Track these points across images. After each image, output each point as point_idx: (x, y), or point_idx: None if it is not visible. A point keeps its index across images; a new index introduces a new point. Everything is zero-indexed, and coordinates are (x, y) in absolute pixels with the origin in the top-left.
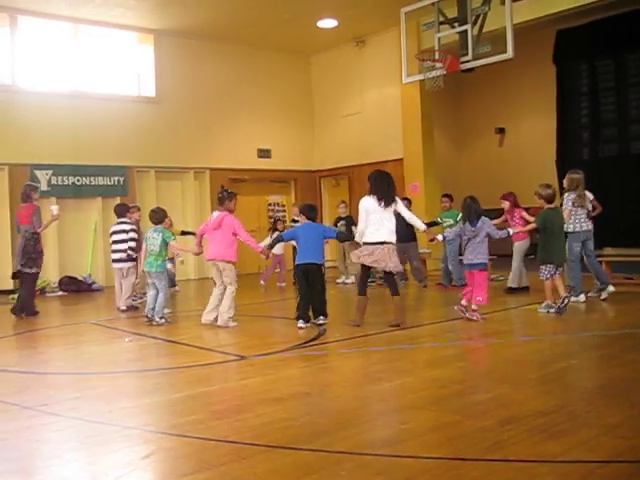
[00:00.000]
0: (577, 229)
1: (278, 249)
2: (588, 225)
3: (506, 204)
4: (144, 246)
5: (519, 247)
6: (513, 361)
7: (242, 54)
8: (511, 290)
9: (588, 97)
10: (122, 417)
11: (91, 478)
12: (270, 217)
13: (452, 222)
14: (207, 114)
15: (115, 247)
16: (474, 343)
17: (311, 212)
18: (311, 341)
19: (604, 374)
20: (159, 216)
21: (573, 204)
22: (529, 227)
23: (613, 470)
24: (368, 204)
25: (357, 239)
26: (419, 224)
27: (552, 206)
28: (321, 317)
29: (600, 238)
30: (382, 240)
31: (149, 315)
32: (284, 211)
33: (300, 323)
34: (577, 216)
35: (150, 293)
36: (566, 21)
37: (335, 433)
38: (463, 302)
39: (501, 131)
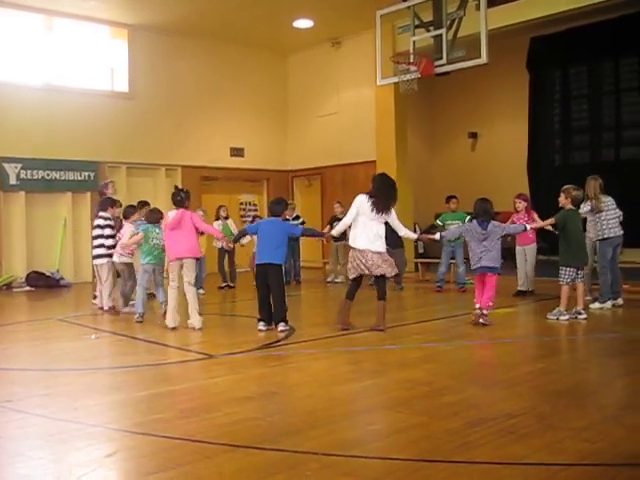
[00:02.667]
0: (611, 234)
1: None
2: (620, 230)
3: (522, 204)
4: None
5: (532, 250)
6: (483, 363)
7: (218, 51)
8: (520, 293)
9: (561, 104)
10: (87, 415)
11: (55, 476)
12: (241, 216)
13: (460, 225)
14: (180, 111)
15: (93, 242)
16: (444, 345)
17: (277, 207)
18: (281, 341)
19: (573, 377)
20: (157, 216)
21: (592, 210)
22: (548, 222)
23: (576, 473)
24: (362, 205)
25: (336, 231)
26: (410, 235)
27: (574, 208)
28: (281, 324)
29: None
30: (365, 248)
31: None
32: (256, 210)
33: (260, 325)
34: (608, 221)
35: (141, 288)
36: (540, 28)
37: (303, 433)
38: (483, 311)
39: (474, 136)
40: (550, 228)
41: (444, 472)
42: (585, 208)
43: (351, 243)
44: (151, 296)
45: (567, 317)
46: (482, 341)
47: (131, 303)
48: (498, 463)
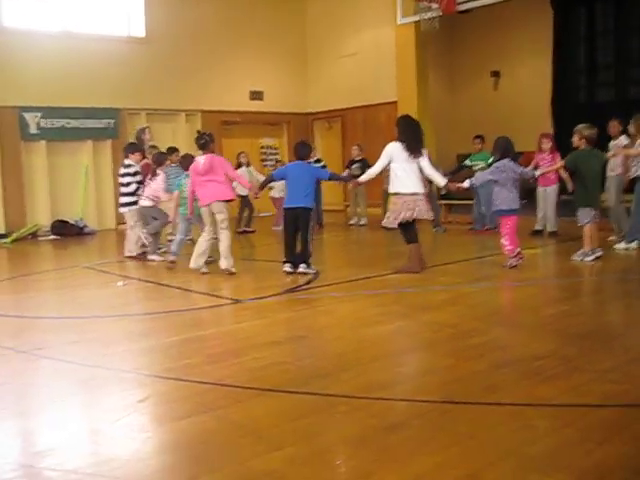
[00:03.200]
0: None
1: (277, 192)
2: None
3: (549, 144)
4: (176, 193)
5: (553, 191)
6: (507, 305)
7: None
8: (536, 233)
9: (585, 40)
10: (118, 361)
11: (88, 421)
12: (262, 160)
13: (483, 165)
14: (198, 55)
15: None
16: (469, 287)
17: (302, 150)
18: (307, 284)
19: (597, 319)
20: (190, 161)
21: None
22: (557, 165)
23: (603, 414)
24: (395, 152)
25: (363, 179)
26: (439, 179)
27: (589, 147)
28: (302, 265)
29: None
30: (414, 191)
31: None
32: (277, 154)
33: (286, 267)
34: None
35: (179, 237)
36: None
37: (332, 376)
38: (514, 252)
39: (496, 74)
40: (562, 173)
41: (471, 414)
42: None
43: (397, 189)
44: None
45: (592, 257)
46: (507, 283)
47: (160, 251)
48: (525, 404)
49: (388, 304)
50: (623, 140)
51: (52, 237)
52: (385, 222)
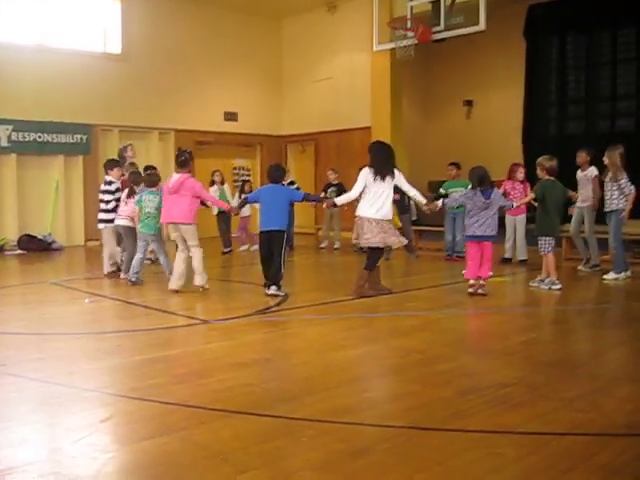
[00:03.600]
0: (622, 206)
1: (245, 211)
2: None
3: (522, 174)
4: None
5: (522, 221)
6: (476, 332)
7: (212, 14)
8: (505, 261)
9: (557, 73)
10: (82, 379)
11: (50, 440)
12: (234, 181)
13: (462, 192)
14: (174, 74)
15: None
16: (438, 313)
17: (276, 173)
18: (275, 306)
19: (565, 348)
20: (154, 180)
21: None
22: (528, 198)
23: (568, 442)
24: (368, 176)
25: (340, 201)
26: (420, 199)
27: (552, 178)
28: (272, 287)
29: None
30: (382, 217)
31: (133, 279)
32: (249, 175)
33: (269, 290)
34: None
35: (138, 256)
36: None
37: (298, 399)
38: (481, 281)
39: (469, 103)
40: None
41: (437, 440)
42: (629, 183)
43: (364, 214)
44: (156, 261)
45: (559, 286)
46: (475, 310)
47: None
48: (491, 432)
49: (356, 328)
50: (594, 171)
51: (19, 252)
52: (356, 241)
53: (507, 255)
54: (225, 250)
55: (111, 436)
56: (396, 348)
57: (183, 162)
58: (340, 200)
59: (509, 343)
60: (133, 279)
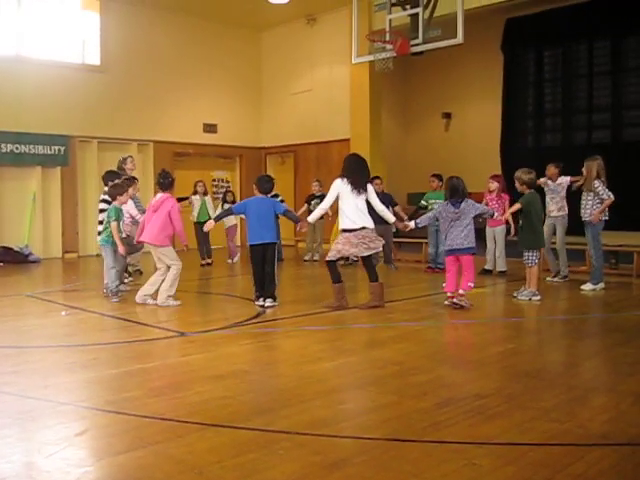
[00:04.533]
0: (605, 217)
1: (230, 221)
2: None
3: (494, 185)
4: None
5: (502, 232)
6: (453, 343)
7: (191, 25)
8: (486, 272)
9: (534, 86)
10: (57, 392)
11: (24, 454)
12: (214, 192)
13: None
14: (153, 85)
15: None
16: (416, 325)
17: (266, 184)
18: (253, 319)
19: (542, 358)
20: (116, 192)
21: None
22: (514, 208)
23: (545, 453)
24: (341, 187)
25: (313, 218)
26: (388, 216)
27: (532, 191)
28: (268, 300)
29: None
30: (361, 226)
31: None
32: (229, 187)
33: (260, 301)
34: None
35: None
36: (516, 10)
37: (274, 412)
38: (459, 291)
39: (447, 116)
40: (509, 216)
41: (415, 452)
42: (606, 192)
43: (344, 225)
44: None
45: (539, 297)
46: (453, 321)
47: (127, 280)
48: (468, 443)
49: (334, 340)
50: (566, 178)
51: None
52: (328, 256)
53: (487, 266)
54: (204, 262)
55: (86, 450)
56: (373, 360)
57: (169, 184)
58: (313, 217)
59: (487, 354)
60: (112, 294)
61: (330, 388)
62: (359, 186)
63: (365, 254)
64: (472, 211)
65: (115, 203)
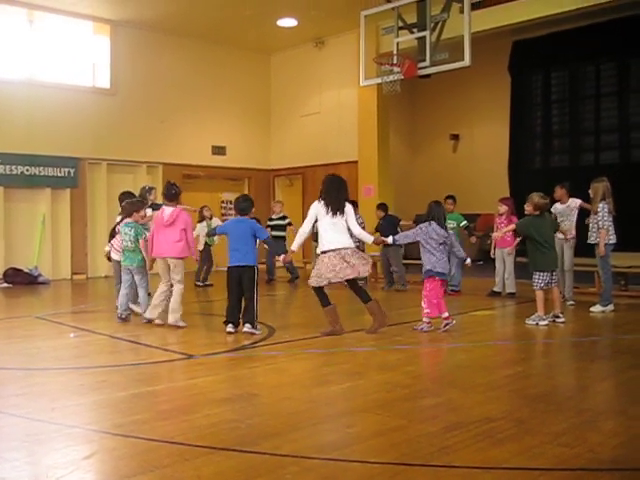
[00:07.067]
0: (613, 240)
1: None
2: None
3: (504, 208)
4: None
5: (510, 254)
6: (462, 366)
7: (201, 49)
8: (494, 294)
9: (541, 107)
10: (65, 415)
11: (31, 478)
12: (222, 214)
13: (454, 225)
14: (162, 108)
15: None
16: (424, 347)
17: (243, 204)
18: (261, 341)
19: (551, 382)
20: (130, 208)
21: (610, 213)
22: (509, 228)
23: (555, 478)
24: (319, 210)
25: (296, 246)
26: (367, 238)
27: (537, 213)
28: (247, 325)
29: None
30: (340, 247)
31: (122, 315)
32: None
33: (229, 328)
34: (611, 226)
35: (122, 292)
36: (523, 32)
37: (282, 436)
38: (425, 319)
39: (455, 137)
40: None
41: (423, 476)
42: (606, 215)
43: (323, 247)
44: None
45: (546, 322)
46: (461, 344)
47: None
48: (477, 467)
49: (342, 363)
50: (576, 200)
51: (4, 285)
52: (310, 281)
53: (496, 288)
54: (204, 283)
55: (93, 474)
56: (382, 383)
57: (175, 195)
58: (296, 244)
59: (496, 377)
60: (123, 316)
61: (338, 412)
62: (335, 207)
63: (351, 277)
64: (454, 244)
65: (129, 219)
